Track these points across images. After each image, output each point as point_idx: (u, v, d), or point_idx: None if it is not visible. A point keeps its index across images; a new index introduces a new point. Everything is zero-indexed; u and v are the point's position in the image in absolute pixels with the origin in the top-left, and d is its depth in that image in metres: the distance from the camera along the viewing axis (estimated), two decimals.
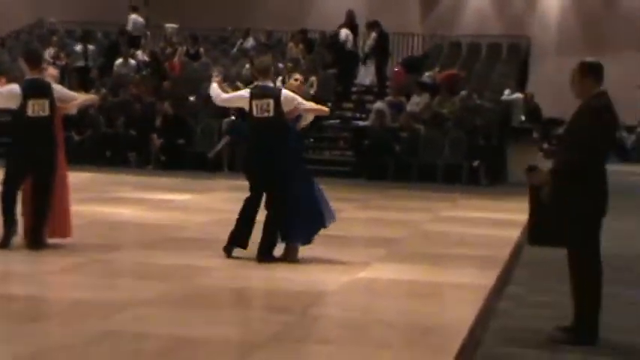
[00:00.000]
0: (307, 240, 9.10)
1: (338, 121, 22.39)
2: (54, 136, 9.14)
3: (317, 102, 21.86)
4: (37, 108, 8.94)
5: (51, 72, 9.81)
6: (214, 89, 9.38)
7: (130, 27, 24.89)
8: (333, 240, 10.40)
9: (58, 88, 9.44)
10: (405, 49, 26.41)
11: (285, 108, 8.88)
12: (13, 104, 8.96)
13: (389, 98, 21.26)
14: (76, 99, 9.67)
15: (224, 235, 10.51)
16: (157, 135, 20.23)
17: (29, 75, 9.13)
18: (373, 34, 22.79)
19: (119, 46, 24.32)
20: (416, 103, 20.92)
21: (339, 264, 9.01)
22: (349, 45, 23.08)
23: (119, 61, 23.46)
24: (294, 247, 9.04)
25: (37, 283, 7.52)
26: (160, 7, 26.33)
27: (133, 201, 13.73)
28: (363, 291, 7.91)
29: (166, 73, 23.18)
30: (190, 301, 7.20)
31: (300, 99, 9.02)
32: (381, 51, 22.94)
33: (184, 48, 24.55)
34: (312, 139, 21.93)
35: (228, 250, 9.03)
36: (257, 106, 8.87)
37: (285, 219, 8.87)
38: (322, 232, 10.20)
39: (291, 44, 24.21)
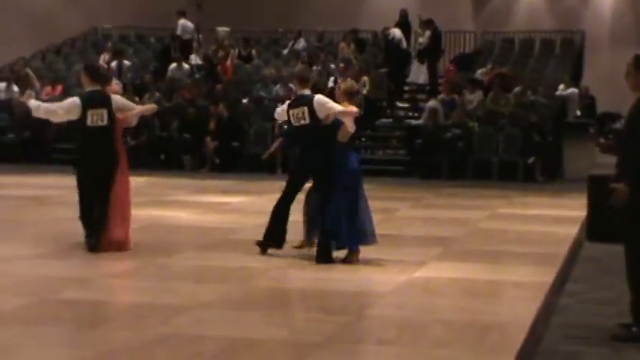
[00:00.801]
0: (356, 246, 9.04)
1: (390, 120, 22.36)
2: (113, 145, 9.38)
3: (369, 102, 21.92)
4: (95, 118, 9.25)
5: (114, 88, 10.00)
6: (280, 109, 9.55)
7: (179, 31, 25.07)
8: (388, 239, 10.38)
9: (117, 98, 9.64)
10: (457, 46, 26.25)
11: (320, 114, 8.93)
12: (74, 115, 9.29)
13: (442, 96, 21.17)
14: (134, 109, 9.87)
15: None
16: (211, 138, 20.36)
17: (89, 87, 9.42)
18: (427, 33, 22.70)
19: (171, 51, 24.50)
20: (469, 100, 20.82)
21: (395, 263, 8.99)
22: (404, 44, 23.00)
23: (173, 65, 23.65)
24: (355, 251, 9.02)
25: (97, 288, 7.61)
26: (212, 10, 26.48)
27: (189, 204, 13.83)
28: (419, 290, 7.88)
29: (219, 76, 23.32)
30: (248, 302, 7.23)
31: (331, 103, 9.00)
32: (434, 49, 22.85)
33: (236, 51, 24.68)
34: (364, 139, 21.93)
35: (263, 245, 9.19)
36: (293, 115, 9.01)
37: (335, 223, 8.87)
38: (377, 232, 10.17)
39: (342, 45, 24.22)
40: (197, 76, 23.58)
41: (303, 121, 8.97)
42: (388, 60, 22.92)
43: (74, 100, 9.37)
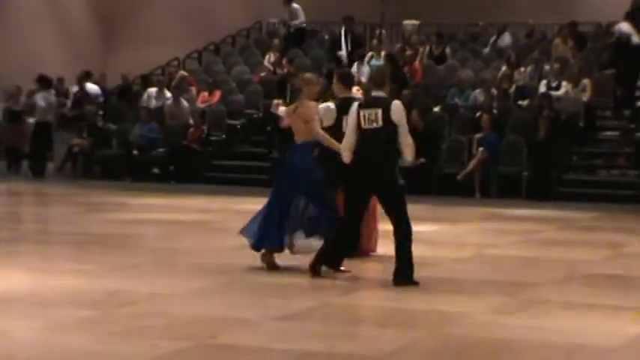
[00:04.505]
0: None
1: (617, 133, 21.86)
2: None
3: (590, 110, 21.42)
4: None
5: (355, 93, 11.55)
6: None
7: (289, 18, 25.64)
8: (614, 281, 10.16)
9: None
10: None
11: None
12: (329, 121, 10.93)
13: None
14: None
15: (479, 276, 10.54)
16: None
17: (343, 94, 11.16)
18: None
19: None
20: None
21: (626, 311, 8.79)
22: (635, 40, 22.38)
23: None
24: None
25: (261, 332, 7.70)
26: (397, 1, 26.42)
27: None
28: None
29: (406, 79, 23.32)
30: (441, 353, 7.21)
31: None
32: None
33: (427, 49, 24.69)
34: (582, 156, 21.49)
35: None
36: (364, 117, 9.98)
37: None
38: (601, 271, 9.95)
39: (557, 40, 23.90)
40: None
41: (375, 124, 9.89)
42: (616, 59, 22.41)
43: (329, 106, 11.10)
